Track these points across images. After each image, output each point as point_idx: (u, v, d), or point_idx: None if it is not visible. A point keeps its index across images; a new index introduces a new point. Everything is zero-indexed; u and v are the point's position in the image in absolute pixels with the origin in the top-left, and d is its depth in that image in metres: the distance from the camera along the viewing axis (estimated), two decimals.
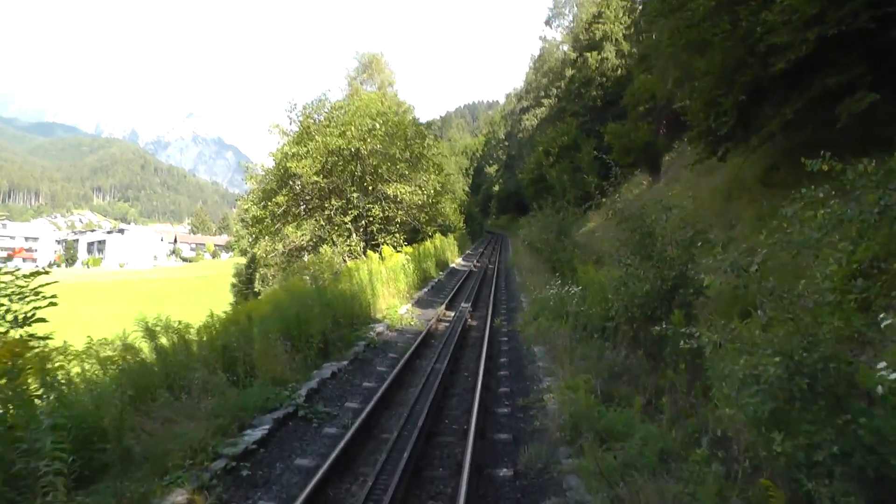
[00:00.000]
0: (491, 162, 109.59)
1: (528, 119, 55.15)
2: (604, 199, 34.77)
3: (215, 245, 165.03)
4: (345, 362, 9.42)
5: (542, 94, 50.00)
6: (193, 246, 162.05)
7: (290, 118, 24.26)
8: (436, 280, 22.59)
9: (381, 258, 18.00)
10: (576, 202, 27.59)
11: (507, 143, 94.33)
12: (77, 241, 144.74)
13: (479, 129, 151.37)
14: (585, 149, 38.74)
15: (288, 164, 22.58)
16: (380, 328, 12.26)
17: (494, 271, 26.53)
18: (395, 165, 23.09)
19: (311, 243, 23.69)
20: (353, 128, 22.28)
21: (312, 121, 24.06)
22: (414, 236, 26.62)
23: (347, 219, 22.89)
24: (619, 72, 43.22)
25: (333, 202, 22.66)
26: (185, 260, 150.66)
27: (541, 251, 22.02)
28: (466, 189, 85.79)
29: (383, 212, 23.15)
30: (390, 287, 15.86)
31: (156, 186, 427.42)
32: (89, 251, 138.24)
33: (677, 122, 32.82)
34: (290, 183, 23.60)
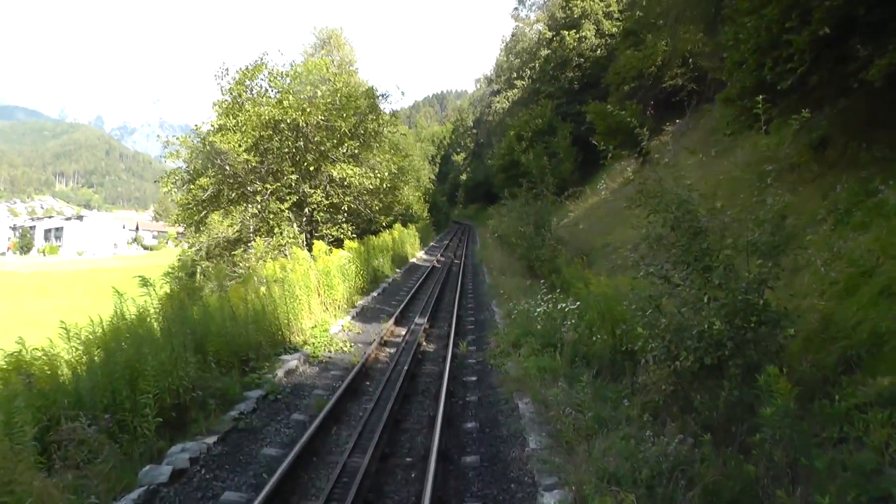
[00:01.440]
0: (458, 150, 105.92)
1: (498, 102, 51.39)
2: (585, 188, 31.62)
3: (177, 233, 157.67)
4: (207, 442, 5.64)
5: (515, 75, 46.40)
6: (156, 233, 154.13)
7: (221, 87, 20.06)
8: (389, 280, 18.89)
9: (313, 257, 14.29)
10: (552, 191, 24.19)
11: (475, 131, 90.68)
12: (34, 227, 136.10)
13: (448, 119, 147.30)
14: (562, 133, 35.46)
15: (212, 140, 18.53)
16: (293, 362, 8.51)
17: (460, 268, 22.97)
18: (342, 143, 19.21)
19: (246, 235, 19.70)
20: (291, 96, 18.31)
21: (246, 88, 19.93)
22: (369, 227, 22.86)
23: (285, 206, 18.95)
24: (598, 52, 39.99)
25: (268, 186, 18.66)
26: (146, 248, 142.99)
27: (515, 246, 18.52)
28: (432, 177, 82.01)
29: (328, 198, 19.28)
30: (323, 295, 12.11)
31: (121, 172, 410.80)
32: (46, 238, 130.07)
33: (666, 103, 29.79)
34: (219, 162, 19.49)
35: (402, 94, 22.83)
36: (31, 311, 32.74)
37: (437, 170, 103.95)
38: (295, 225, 20.09)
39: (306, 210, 20.38)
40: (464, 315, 13.29)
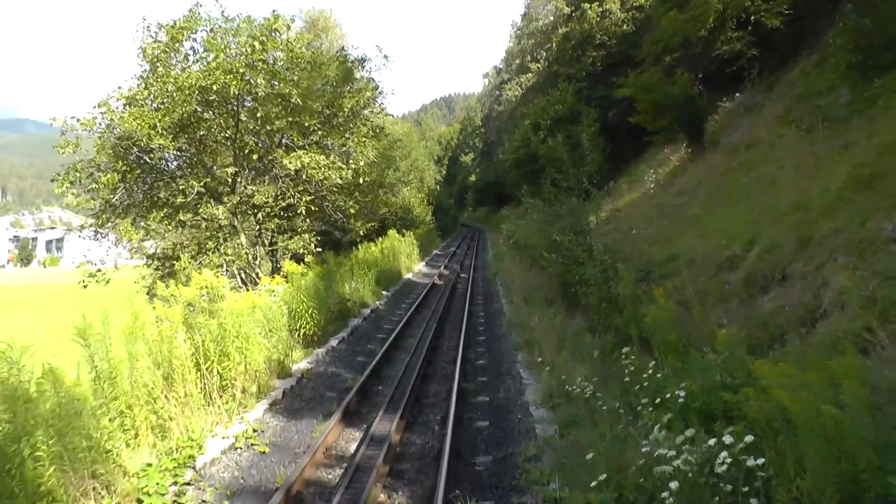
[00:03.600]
0: (467, 150, 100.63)
1: (510, 89, 45.40)
2: (620, 182, 25.95)
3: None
4: None
5: (529, 58, 40.73)
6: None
7: (143, 49, 14.49)
8: (368, 311, 13.36)
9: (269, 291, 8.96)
10: (587, 185, 18.49)
11: (483, 130, 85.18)
12: (35, 238, 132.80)
13: (455, 120, 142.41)
14: (587, 119, 29.86)
15: (114, 118, 13.25)
16: None
17: (467, 287, 17.41)
18: (298, 122, 13.78)
19: (177, 251, 14.35)
20: (223, 55, 12.88)
21: (175, 51, 14.46)
22: (343, 237, 17.40)
23: (221, 210, 13.55)
24: (625, 27, 34.40)
25: (194, 183, 13.23)
26: (149, 257, 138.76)
27: (545, 262, 12.88)
28: (439, 178, 76.61)
29: (277, 198, 13.85)
30: (211, 374, 6.58)
31: None
32: (48, 250, 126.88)
33: (718, 76, 24.06)
34: (134, 151, 14.10)
35: (386, 58, 17.09)
36: (24, 325, 27.40)
37: (444, 172, 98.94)
38: (244, 237, 14.70)
39: (259, 216, 14.99)
40: (471, 402, 7.58)
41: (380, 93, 17.86)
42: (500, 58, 65.86)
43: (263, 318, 8.05)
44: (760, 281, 8.95)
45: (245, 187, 13.81)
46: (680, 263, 12.27)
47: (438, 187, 65.26)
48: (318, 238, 15.66)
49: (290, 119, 13.85)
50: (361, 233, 15.58)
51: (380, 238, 22.38)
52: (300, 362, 8.83)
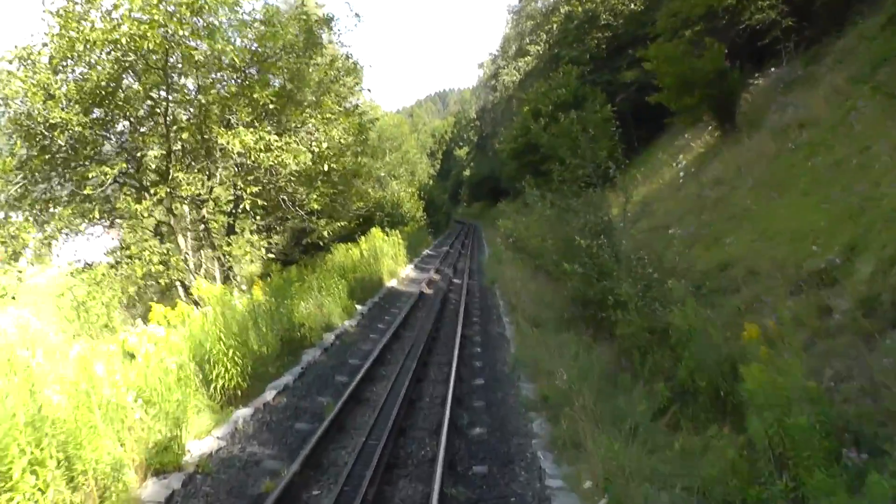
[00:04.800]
0: (461, 144, 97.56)
1: (507, 74, 42.22)
2: (634, 173, 22.93)
3: None
4: None
5: (527, 41, 37.61)
6: None
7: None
8: (334, 336, 10.31)
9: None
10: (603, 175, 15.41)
11: (478, 123, 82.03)
12: None
13: (450, 114, 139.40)
14: (591, 104, 26.85)
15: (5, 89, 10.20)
16: None
17: (461, 299, 14.39)
18: (246, 93, 10.75)
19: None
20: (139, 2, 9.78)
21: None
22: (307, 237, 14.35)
23: (143, 205, 10.47)
24: (633, 5, 31.42)
25: (107, 170, 10.17)
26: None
27: (562, 275, 9.85)
28: (432, 172, 73.60)
29: (213, 189, 10.81)
30: None
31: None
32: None
33: (747, 50, 21.09)
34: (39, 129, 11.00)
35: (358, 17, 14.11)
36: None
37: (438, 166, 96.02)
38: (181, 239, 11.70)
39: (204, 212, 11.96)
40: None
41: (354, 64, 14.82)
42: (497, 45, 62.75)
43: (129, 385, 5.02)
44: (889, 309, 6.00)
45: (174, 176, 10.74)
46: (736, 273, 9.32)
47: (431, 181, 62.32)
48: (290, 240, 12.67)
49: (234, 91, 10.83)
50: (326, 234, 12.51)
51: (362, 237, 19.41)
52: (206, 437, 5.82)
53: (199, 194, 11.24)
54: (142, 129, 10.84)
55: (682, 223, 13.95)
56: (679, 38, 22.09)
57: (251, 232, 11.82)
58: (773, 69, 18.61)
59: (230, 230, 13.01)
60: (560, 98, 28.61)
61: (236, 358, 6.72)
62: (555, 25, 34.81)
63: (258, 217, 12.95)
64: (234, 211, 11.83)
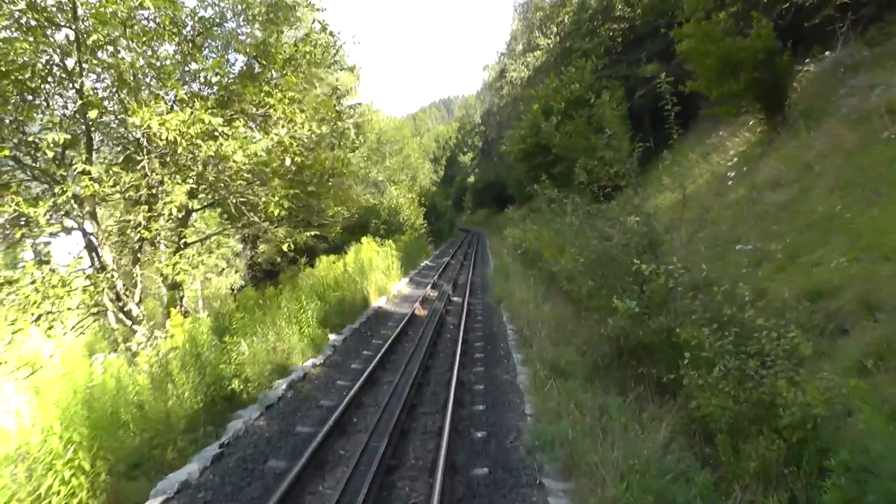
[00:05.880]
0: (465, 150, 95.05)
1: (514, 71, 39.37)
2: (659, 174, 20.22)
3: None
4: None
5: (537, 33, 34.96)
6: None
7: None
8: (285, 385, 7.63)
9: None
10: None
11: (483, 127, 79.40)
12: None
13: (454, 120, 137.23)
14: (608, 101, 24.09)
15: None
16: None
17: (460, 327, 11.68)
18: (189, 57, 8.17)
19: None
20: None
21: None
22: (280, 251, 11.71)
23: (40, 209, 7.86)
24: None
25: None
26: None
27: (602, 311, 7.10)
28: (435, 178, 71.05)
29: (121, 183, 8.19)
30: None
31: None
32: None
33: (792, 32, 18.38)
34: None
35: None
36: None
37: (442, 173, 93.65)
38: (106, 251, 9.10)
39: (140, 219, 9.29)
40: None
41: (334, 40, 12.19)
42: (503, 46, 60.05)
43: None
44: None
45: (85, 169, 8.09)
46: (841, 306, 6.68)
47: (434, 187, 59.84)
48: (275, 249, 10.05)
49: (165, 56, 8.22)
50: (285, 248, 9.83)
51: (347, 248, 16.86)
52: None
53: (132, 195, 8.64)
54: (34, 101, 8.22)
55: (734, 234, 11.22)
56: (712, 18, 19.44)
57: (184, 244, 9.20)
58: (827, 53, 15.91)
59: (180, 240, 10.38)
60: (574, 94, 25.94)
61: (84, 463, 4.03)
62: (566, 17, 32.18)
63: (232, 226, 10.31)
64: (171, 216, 9.19)
